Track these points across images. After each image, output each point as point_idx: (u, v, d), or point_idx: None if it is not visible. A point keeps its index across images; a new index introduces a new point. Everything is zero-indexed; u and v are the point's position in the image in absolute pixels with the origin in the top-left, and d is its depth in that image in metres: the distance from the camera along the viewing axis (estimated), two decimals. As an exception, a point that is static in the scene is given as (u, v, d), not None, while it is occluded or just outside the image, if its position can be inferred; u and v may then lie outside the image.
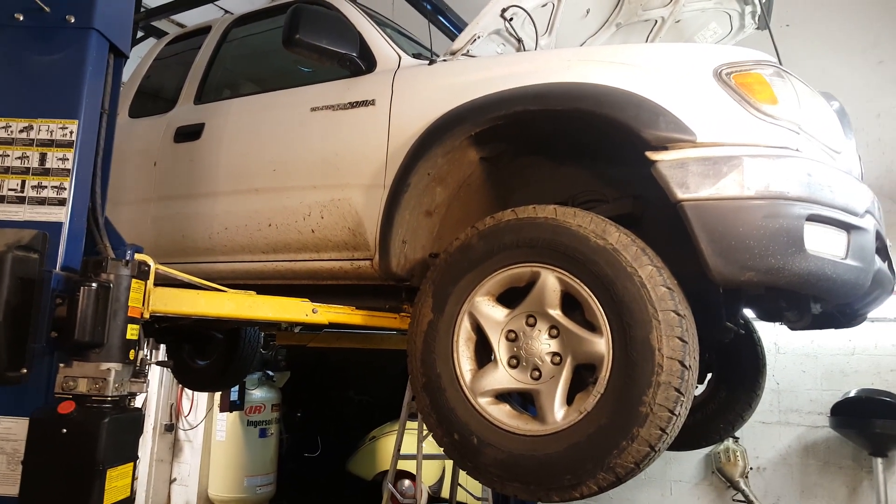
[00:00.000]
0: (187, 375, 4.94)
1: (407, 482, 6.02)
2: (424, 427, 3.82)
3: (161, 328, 3.90)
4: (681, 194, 1.75)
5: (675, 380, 1.65)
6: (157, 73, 3.60)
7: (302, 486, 7.45)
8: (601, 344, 1.77)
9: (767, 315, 2.41)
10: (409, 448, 3.94)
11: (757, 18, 3.28)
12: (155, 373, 6.82)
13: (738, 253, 1.70)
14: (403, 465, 4.42)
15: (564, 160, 2.33)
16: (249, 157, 2.73)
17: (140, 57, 3.70)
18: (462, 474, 4.44)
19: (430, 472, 5.72)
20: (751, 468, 5.66)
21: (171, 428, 7.05)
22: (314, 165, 2.51)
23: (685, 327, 1.69)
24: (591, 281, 1.79)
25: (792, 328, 2.14)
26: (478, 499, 4.38)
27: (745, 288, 2.03)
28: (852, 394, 5.24)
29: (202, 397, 6.92)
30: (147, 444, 6.86)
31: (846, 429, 5.19)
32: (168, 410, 7.07)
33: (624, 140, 1.88)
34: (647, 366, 1.66)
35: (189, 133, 2.99)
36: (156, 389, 6.94)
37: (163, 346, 5.39)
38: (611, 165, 2.26)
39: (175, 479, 7.05)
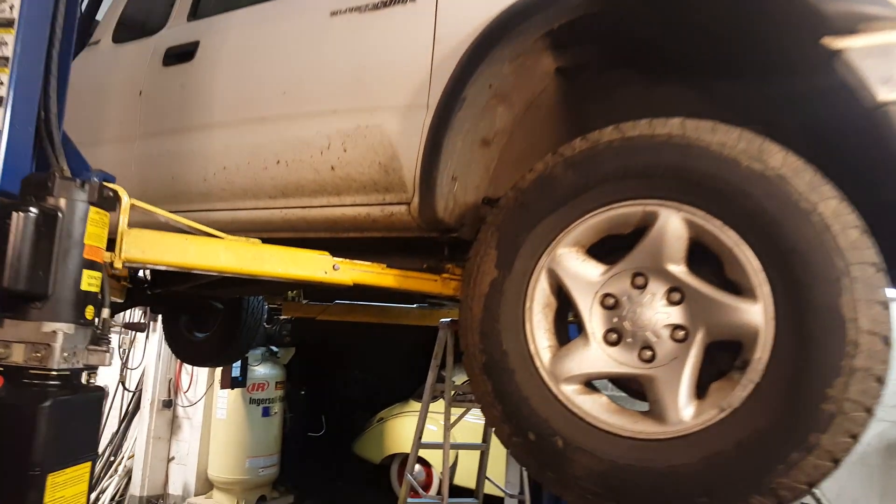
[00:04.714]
0: (185, 349, 4.67)
1: (417, 467, 5.66)
2: (452, 413, 3.36)
3: (154, 294, 3.42)
4: (885, 94, 1.20)
5: (877, 364, 1.13)
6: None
7: (306, 467, 7.26)
8: (755, 313, 1.25)
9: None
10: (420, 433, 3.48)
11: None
12: (153, 344, 6.50)
13: None
14: (408, 447, 3.90)
15: (666, 75, 1.78)
16: (254, 78, 2.25)
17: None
18: (489, 464, 3.89)
19: (440, 456, 5.24)
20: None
21: (169, 404, 6.82)
22: (335, 85, 2.02)
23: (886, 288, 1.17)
24: (741, 222, 1.27)
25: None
26: (510, 495, 3.87)
27: None
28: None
29: (202, 373, 6.65)
30: (144, 421, 6.71)
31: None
32: (166, 385, 6.80)
33: (777, 27, 1.34)
34: (835, 344, 1.15)
35: (180, 54, 2.50)
36: (153, 363, 6.72)
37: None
38: (730, 81, 1.71)
39: (173, 458, 6.83)
